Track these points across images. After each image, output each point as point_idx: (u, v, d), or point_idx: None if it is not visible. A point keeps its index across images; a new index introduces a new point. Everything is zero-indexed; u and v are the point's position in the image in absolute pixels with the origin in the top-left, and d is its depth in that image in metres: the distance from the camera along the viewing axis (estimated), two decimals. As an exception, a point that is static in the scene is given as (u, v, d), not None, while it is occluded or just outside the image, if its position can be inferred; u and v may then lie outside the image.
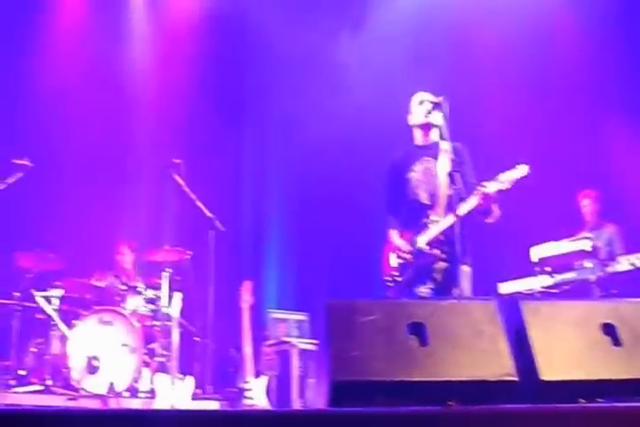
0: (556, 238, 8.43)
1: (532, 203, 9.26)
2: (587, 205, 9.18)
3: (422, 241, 6.16)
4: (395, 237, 6.44)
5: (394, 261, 6.38)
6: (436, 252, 6.12)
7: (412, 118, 6.59)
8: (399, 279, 6.28)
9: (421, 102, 6.48)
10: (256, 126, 11.23)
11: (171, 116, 11.15)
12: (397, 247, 6.34)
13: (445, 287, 6.10)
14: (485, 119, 9.76)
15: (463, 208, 5.88)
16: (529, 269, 8.53)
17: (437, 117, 6.24)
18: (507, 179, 5.85)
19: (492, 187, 5.83)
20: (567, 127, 9.70)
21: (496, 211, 5.97)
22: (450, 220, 5.94)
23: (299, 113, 10.98)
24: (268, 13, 11.35)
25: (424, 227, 6.21)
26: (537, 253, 8.42)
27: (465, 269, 6.11)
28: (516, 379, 3.77)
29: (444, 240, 6.09)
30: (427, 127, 6.47)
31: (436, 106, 6.21)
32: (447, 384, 3.76)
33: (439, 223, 6.11)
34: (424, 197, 6.34)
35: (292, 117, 11.06)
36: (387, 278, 6.41)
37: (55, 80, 10.73)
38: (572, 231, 8.61)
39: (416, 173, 6.42)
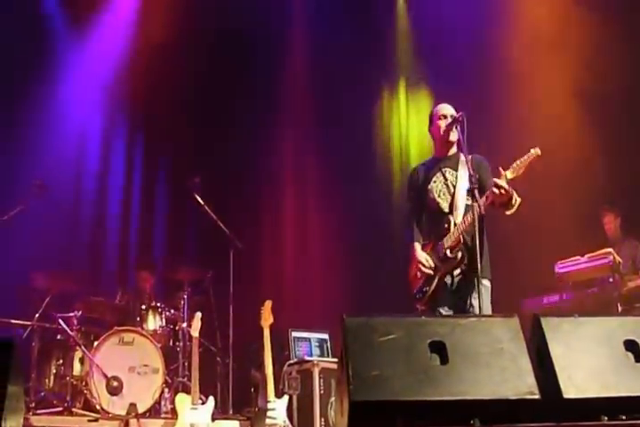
0: (579, 254, 8.39)
1: (556, 219, 9.22)
2: (609, 220, 9.13)
3: (447, 247, 6.14)
4: (418, 250, 6.39)
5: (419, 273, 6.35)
6: (459, 255, 6.07)
7: (432, 132, 6.57)
8: (427, 289, 6.23)
9: (443, 117, 6.45)
10: (275, 144, 11.21)
11: (189, 134, 11.15)
12: (420, 262, 6.29)
13: (470, 304, 6.06)
14: (508, 135, 9.71)
15: (482, 202, 5.86)
16: (552, 285, 8.49)
17: (457, 133, 6.23)
18: (521, 165, 5.84)
19: (507, 176, 5.82)
20: (588, 142, 9.65)
21: (516, 200, 5.94)
22: (469, 220, 5.92)
23: (318, 129, 10.99)
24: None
25: (445, 232, 6.19)
26: (560, 268, 8.37)
27: (485, 284, 6.07)
28: (538, 397, 3.71)
29: (466, 249, 6.06)
30: (445, 142, 6.44)
31: (456, 121, 6.19)
32: (469, 403, 3.71)
33: (458, 226, 6.09)
34: (445, 207, 6.31)
35: (311, 134, 11.06)
36: (415, 291, 6.36)
37: (72, 100, 10.77)
38: (595, 247, 8.55)
39: (436, 184, 6.40)
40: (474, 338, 3.90)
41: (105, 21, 11.31)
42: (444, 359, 3.80)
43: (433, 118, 6.55)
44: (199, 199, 8.80)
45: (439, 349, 3.82)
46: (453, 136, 6.33)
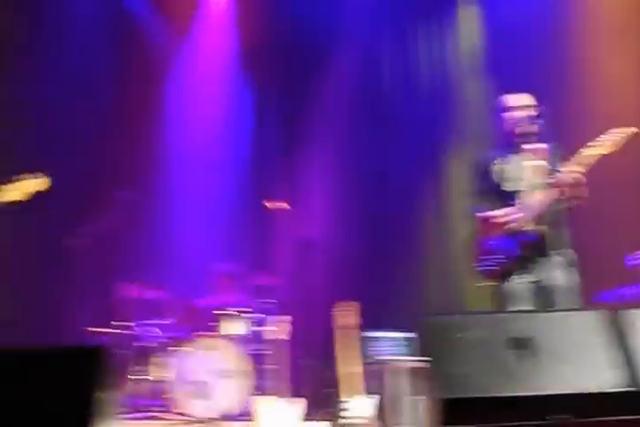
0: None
1: (628, 211, 9.09)
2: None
3: (524, 220, 6.06)
4: (492, 213, 6.22)
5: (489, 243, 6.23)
6: (541, 228, 6.03)
7: (503, 122, 6.50)
8: (497, 263, 6.14)
9: (516, 108, 6.36)
10: (351, 146, 11.23)
11: (265, 142, 11.26)
12: (496, 216, 6.16)
13: (546, 278, 5.97)
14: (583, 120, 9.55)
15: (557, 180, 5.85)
16: (627, 278, 8.39)
17: (535, 127, 6.16)
18: (614, 141, 5.79)
19: (592, 153, 5.78)
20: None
21: (579, 194, 5.89)
22: (549, 196, 5.91)
23: (389, 123, 10.99)
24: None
25: (517, 209, 6.09)
26: (630, 261, 8.28)
27: (566, 255, 6.00)
28: (622, 390, 3.70)
29: (542, 223, 6.02)
30: (519, 134, 6.36)
31: (536, 116, 6.12)
32: (553, 398, 3.70)
33: (538, 200, 6.01)
34: (511, 185, 6.20)
35: (385, 130, 11.04)
36: (481, 264, 6.29)
37: (161, 118, 10.95)
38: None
39: (503, 164, 6.28)
40: (556, 332, 3.90)
41: (199, 17, 11.59)
42: (527, 354, 3.80)
43: (500, 109, 6.44)
44: (281, 205, 8.83)
45: (521, 344, 3.82)
46: (526, 129, 6.24)
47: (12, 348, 3.88)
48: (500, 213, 6.15)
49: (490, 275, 6.18)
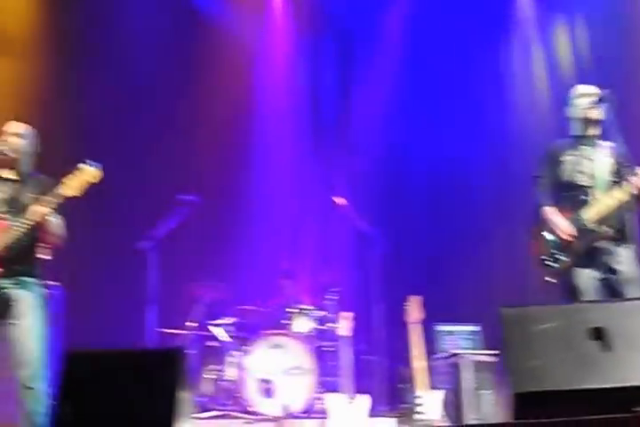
0: None
1: None
2: None
3: (589, 218, 6.01)
4: (554, 214, 6.19)
5: (552, 238, 6.18)
6: (607, 230, 5.95)
7: (572, 111, 6.43)
8: (561, 258, 6.09)
9: (583, 95, 6.32)
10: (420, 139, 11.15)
11: (328, 138, 11.25)
12: (558, 227, 6.11)
13: (614, 271, 5.93)
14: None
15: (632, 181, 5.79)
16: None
17: (599, 113, 6.11)
18: None
19: None
20: None
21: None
22: (622, 196, 5.83)
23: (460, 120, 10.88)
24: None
25: (583, 203, 6.06)
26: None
27: (629, 248, 5.90)
28: None
29: (612, 219, 5.95)
30: (586, 121, 6.29)
31: (601, 100, 6.05)
32: (634, 390, 3.63)
33: (608, 201, 5.95)
34: (581, 179, 6.17)
35: (455, 127, 10.94)
36: (545, 258, 6.22)
37: (228, 116, 10.97)
38: None
39: (572, 157, 6.26)
40: (633, 322, 3.82)
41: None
42: (605, 346, 3.73)
43: (571, 98, 6.44)
44: (341, 201, 8.79)
45: (599, 335, 3.75)
46: (592, 114, 6.19)
47: (99, 350, 4.00)
48: (565, 226, 6.09)
49: (553, 270, 6.14)
